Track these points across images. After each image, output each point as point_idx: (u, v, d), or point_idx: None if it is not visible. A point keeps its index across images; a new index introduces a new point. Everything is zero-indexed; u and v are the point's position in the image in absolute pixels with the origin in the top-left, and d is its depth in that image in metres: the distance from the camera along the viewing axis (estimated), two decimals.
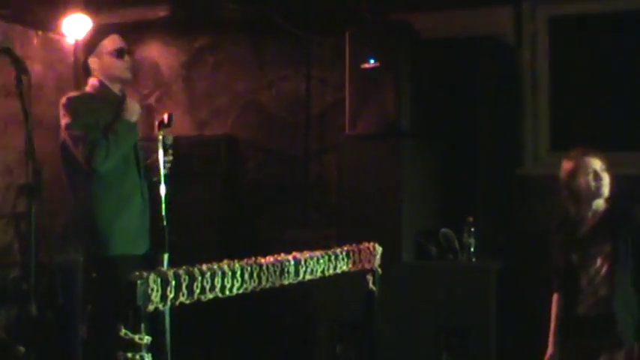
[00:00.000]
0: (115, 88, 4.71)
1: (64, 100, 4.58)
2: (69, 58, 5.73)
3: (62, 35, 5.68)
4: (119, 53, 4.66)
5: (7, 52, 4.12)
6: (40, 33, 5.51)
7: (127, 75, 4.72)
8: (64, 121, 4.52)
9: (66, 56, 5.71)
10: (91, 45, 4.72)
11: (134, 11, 6.52)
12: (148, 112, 6.54)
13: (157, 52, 7.00)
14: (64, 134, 4.51)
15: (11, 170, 5.21)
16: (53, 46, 5.61)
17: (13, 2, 5.34)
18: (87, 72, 4.73)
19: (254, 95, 6.76)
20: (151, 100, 6.96)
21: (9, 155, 5.21)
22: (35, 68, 5.31)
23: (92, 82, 4.71)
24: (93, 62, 4.67)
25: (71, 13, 5.69)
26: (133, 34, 5.88)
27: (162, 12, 6.63)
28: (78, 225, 4.58)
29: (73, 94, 4.81)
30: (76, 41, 5.76)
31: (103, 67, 4.65)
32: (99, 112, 4.56)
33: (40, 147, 4.02)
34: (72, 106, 4.52)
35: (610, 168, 4.40)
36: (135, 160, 4.63)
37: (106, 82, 4.67)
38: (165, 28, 6.91)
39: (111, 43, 4.67)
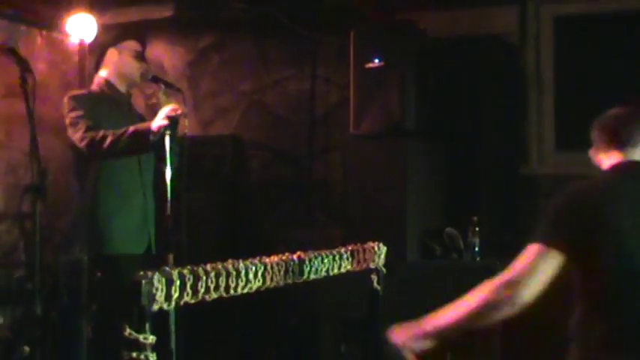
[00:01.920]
0: (122, 88, 4.76)
1: (66, 98, 4.61)
2: (73, 58, 5.73)
3: (67, 35, 5.68)
4: (140, 56, 4.75)
5: (11, 51, 4.13)
6: (44, 32, 5.51)
7: (138, 79, 4.76)
8: (65, 111, 4.55)
9: (70, 56, 5.71)
10: (116, 38, 4.79)
11: (139, 11, 6.53)
12: (153, 112, 6.53)
13: (161, 52, 7.01)
14: (67, 122, 4.54)
15: (16, 170, 5.21)
16: (57, 46, 5.62)
17: (17, 1, 5.34)
18: (100, 61, 4.78)
19: (259, 95, 6.76)
20: (154, 100, 6.96)
21: (13, 155, 5.21)
22: (39, 68, 5.31)
23: (98, 79, 4.75)
24: (111, 54, 4.73)
25: (76, 12, 5.70)
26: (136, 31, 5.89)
27: (167, 12, 6.63)
28: (80, 224, 4.61)
29: (76, 92, 4.84)
30: (81, 41, 5.76)
31: (119, 62, 4.72)
32: (101, 112, 4.58)
33: (44, 147, 4.03)
34: (75, 101, 4.56)
35: None
36: (137, 158, 4.64)
37: (114, 80, 4.72)
38: (169, 27, 6.91)
39: (135, 44, 4.78)
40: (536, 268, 2.89)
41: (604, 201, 2.93)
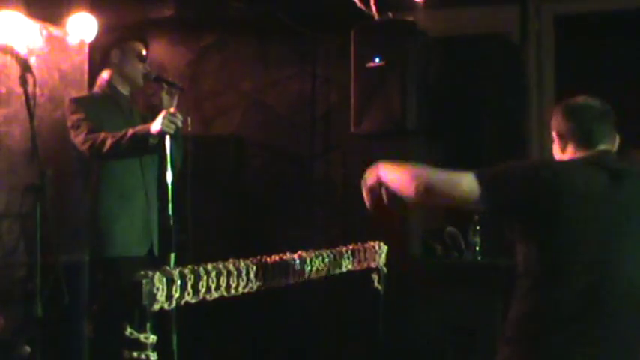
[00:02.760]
0: (124, 90, 4.76)
1: (68, 100, 4.62)
2: (74, 58, 5.71)
3: (67, 34, 5.66)
4: (143, 58, 4.78)
5: (12, 51, 4.12)
6: (44, 32, 5.49)
7: (140, 80, 4.76)
8: (68, 113, 4.56)
9: (71, 55, 5.69)
10: (119, 40, 4.79)
11: (140, 10, 6.52)
12: (154, 111, 6.53)
13: (162, 51, 6.99)
14: (69, 125, 4.55)
15: (16, 170, 5.19)
16: (58, 45, 5.60)
17: (17, 0, 5.34)
18: (103, 62, 4.79)
19: (259, 94, 6.75)
20: (156, 100, 6.94)
21: (14, 155, 5.20)
22: (39, 67, 5.30)
23: (100, 81, 4.75)
24: (115, 55, 4.73)
25: (76, 11, 5.68)
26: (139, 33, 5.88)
27: (167, 11, 6.63)
28: (82, 224, 4.61)
29: (78, 94, 4.85)
30: (81, 40, 5.74)
31: (122, 63, 4.73)
32: (103, 114, 4.59)
33: (44, 147, 4.02)
34: (77, 103, 4.57)
35: None
36: (138, 158, 4.63)
37: (116, 81, 4.72)
38: (170, 27, 6.90)
39: (139, 46, 4.81)
40: (453, 191, 2.94)
41: (565, 185, 2.93)
